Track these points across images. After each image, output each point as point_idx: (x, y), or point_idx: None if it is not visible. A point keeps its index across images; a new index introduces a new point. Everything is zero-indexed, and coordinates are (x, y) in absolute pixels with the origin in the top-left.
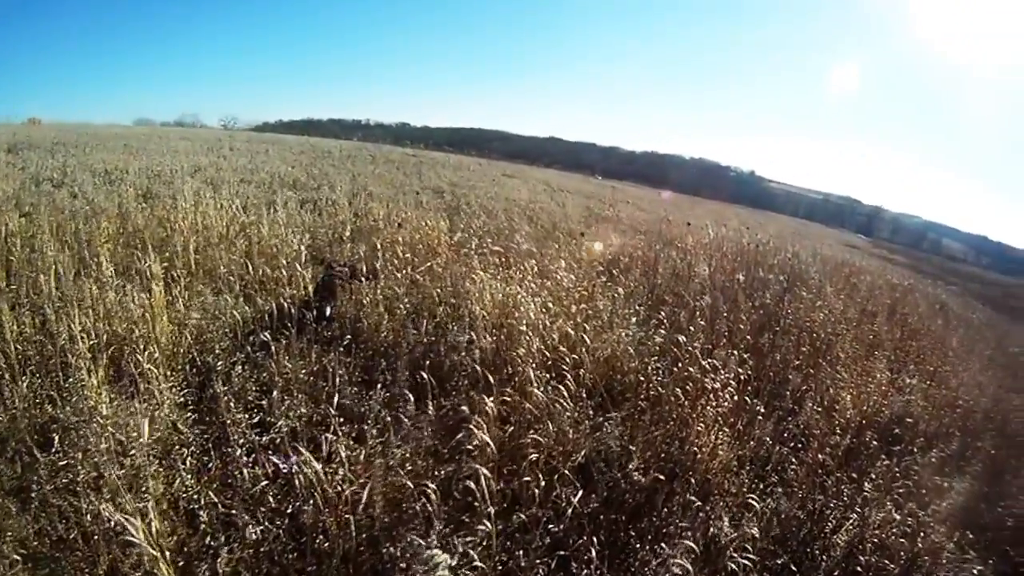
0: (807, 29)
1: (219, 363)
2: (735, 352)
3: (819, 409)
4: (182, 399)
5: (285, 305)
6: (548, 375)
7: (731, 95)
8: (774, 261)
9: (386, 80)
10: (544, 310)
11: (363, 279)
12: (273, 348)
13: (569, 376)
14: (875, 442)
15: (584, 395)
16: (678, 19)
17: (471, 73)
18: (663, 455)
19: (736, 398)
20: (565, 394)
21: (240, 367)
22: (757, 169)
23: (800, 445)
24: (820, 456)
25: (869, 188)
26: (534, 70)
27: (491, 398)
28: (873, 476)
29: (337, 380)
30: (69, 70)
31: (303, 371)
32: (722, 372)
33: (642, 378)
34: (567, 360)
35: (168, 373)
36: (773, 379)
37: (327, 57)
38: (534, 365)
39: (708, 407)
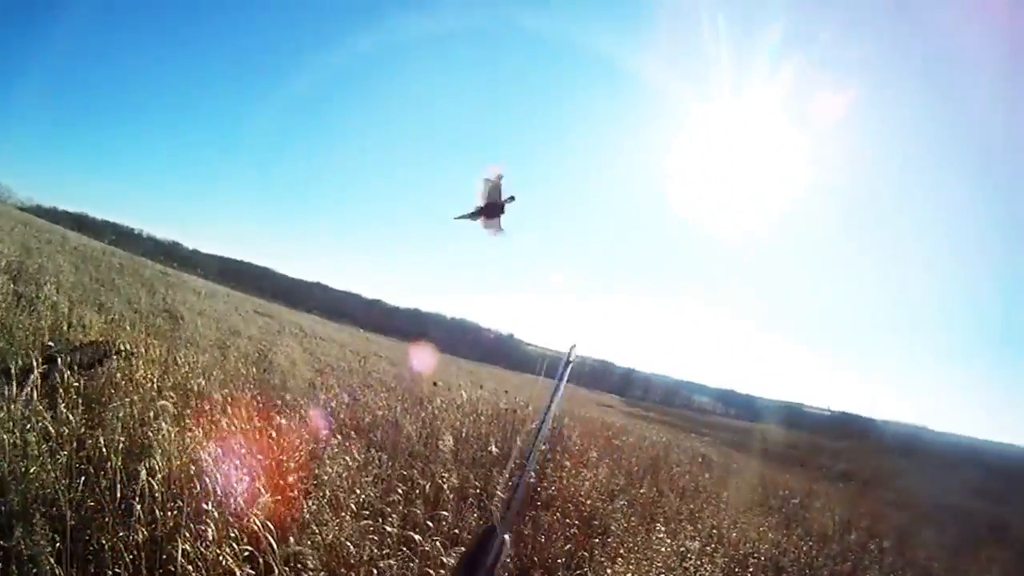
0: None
1: None
2: None
3: None
4: None
5: None
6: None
7: (494, 255)
8: (532, 425)
9: (170, 196)
10: (248, 476)
11: None
12: None
13: None
14: None
15: None
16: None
17: (255, 208)
18: None
19: None
20: None
21: None
22: (516, 332)
23: None
24: None
25: (623, 350)
26: (313, 214)
27: None
28: None
29: None
30: None
31: None
32: None
33: None
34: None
35: None
36: (541, 564)
37: (119, 159)
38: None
39: None
